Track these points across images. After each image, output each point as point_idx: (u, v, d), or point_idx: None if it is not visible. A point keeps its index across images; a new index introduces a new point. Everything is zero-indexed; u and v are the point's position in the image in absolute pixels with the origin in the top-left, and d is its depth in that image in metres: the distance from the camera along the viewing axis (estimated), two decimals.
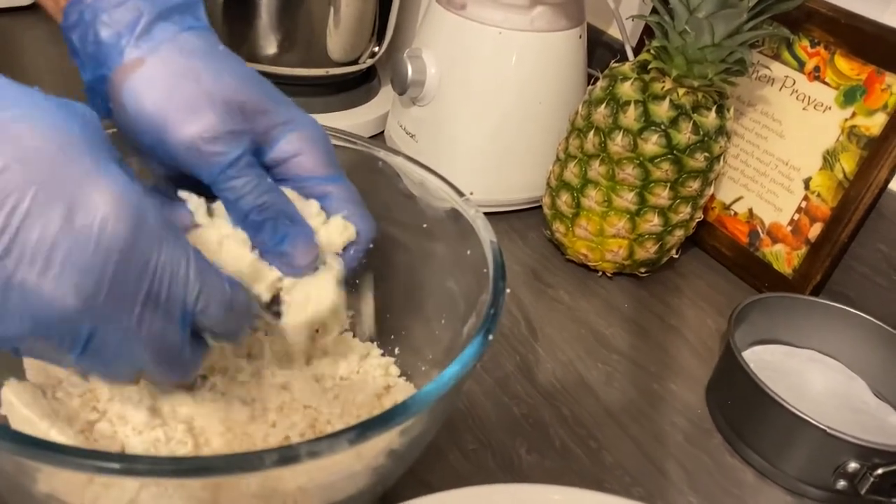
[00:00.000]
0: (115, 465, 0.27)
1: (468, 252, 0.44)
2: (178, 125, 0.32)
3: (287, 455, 0.29)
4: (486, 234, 0.42)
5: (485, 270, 0.41)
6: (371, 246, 0.40)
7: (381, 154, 0.50)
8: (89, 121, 0.27)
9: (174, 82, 0.33)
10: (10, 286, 0.25)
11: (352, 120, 0.81)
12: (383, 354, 0.49)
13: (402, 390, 0.45)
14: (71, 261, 0.25)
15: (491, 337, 0.36)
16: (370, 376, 0.46)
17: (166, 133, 0.33)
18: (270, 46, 0.77)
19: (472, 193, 0.69)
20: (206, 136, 0.32)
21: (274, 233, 0.34)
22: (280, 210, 0.34)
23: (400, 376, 0.47)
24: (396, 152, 0.49)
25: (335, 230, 0.38)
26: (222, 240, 0.35)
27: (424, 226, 0.48)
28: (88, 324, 0.27)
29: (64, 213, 0.25)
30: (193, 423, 0.39)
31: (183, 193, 0.35)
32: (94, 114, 0.28)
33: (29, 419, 0.38)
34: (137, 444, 0.39)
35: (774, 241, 0.67)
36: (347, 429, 0.30)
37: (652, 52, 0.60)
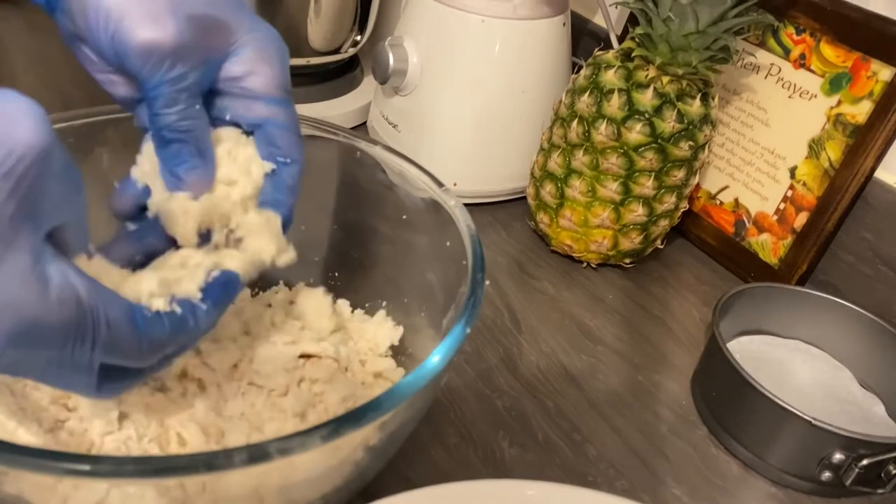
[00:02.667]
0: (83, 467, 0.27)
1: (447, 243, 0.43)
2: (134, 27, 0.32)
3: (257, 453, 0.28)
4: (465, 224, 0.42)
5: (464, 262, 0.40)
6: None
7: (361, 144, 0.49)
8: (4, 161, 0.23)
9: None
10: None
11: (334, 110, 0.79)
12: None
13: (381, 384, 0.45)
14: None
15: (469, 329, 0.35)
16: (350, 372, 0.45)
17: (120, 31, 0.32)
18: None
19: (455, 184, 0.68)
20: (158, 44, 0.32)
21: (176, 156, 0.34)
22: (193, 137, 0.34)
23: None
24: (375, 142, 0.48)
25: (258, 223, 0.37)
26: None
27: (404, 217, 0.48)
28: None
29: None
30: (166, 422, 0.39)
31: None
32: (22, 142, 0.23)
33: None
34: (109, 442, 0.38)
35: (760, 230, 0.66)
36: (320, 425, 0.29)
37: (636, 39, 0.60)
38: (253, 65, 0.35)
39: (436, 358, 0.33)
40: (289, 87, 0.37)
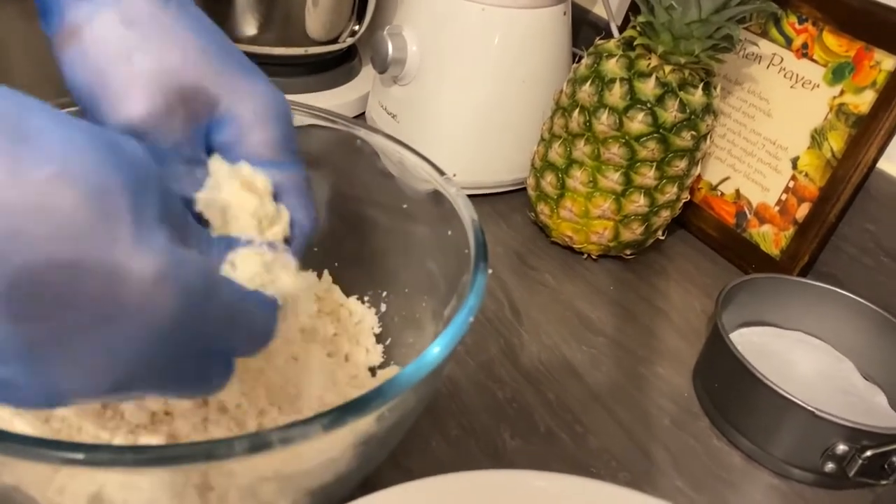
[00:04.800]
0: (79, 456, 0.26)
1: (449, 232, 0.42)
2: (109, 108, 0.31)
3: (258, 442, 0.28)
4: (467, 213, 0.41)
5: (466, 251, 0.40)
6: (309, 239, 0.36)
7: (361, 133, 0.48)
8: (140, 169, 0.23)
9: (105, 63, 0.30)
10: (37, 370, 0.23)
11: (332, 101, 0.79)
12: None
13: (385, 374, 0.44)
14: (105, 351, 0.23)
15: (472, 318, 0.34)
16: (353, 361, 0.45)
17: (100, 112, 0.31)
18: (248, 25, 0.75)
19: (454, 175, 0.67)
20: (133, 123, 0.30)
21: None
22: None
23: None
24: (376, 130, 0.48)
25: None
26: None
27: (404, 206, 0.47)
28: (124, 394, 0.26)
29: (97, 302, 0.22)
30: (163, 415, 0.38)
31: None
32: (141, 154, 0.24)
33: None
34: (104, 432, 0.37)
35: (762, 221, 0.66)
36: (321, 414, 0.29)
37: (637, 28, 0.59)
38: (246, 129, 0.32)
39: (438, 347, 0.33)
40: (293, 146, 0.34)
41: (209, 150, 0.33)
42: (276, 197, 0.33)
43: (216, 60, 0.32)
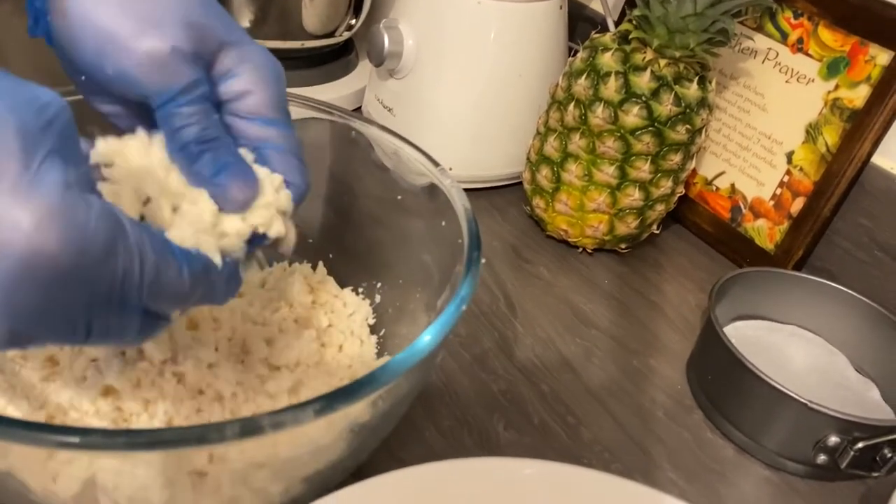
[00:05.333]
0: (72, 439, 0.26)
1: (443, 223, 0.43)
2: (131, 39, 0.30)
3: (249, 426, 0.28)
4: (460, 202, 0.41)
5: (460, 241, 0.40)
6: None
7: (356, 124, 0.48)
8: (44, 112, 0.23)
9: (118, 6, 0.30)
10: None
11: (329, 94, 0.79)
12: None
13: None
14: None
15: (464, 307, 0.35)
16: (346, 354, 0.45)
17: (116, 48, 0.30)
18: (244, 18, 0.75)
19: (450, 169, 0.67)
20: (160, 53, 0.30)
21: (214, 163, 0.31)
22: (223, 143, 0.31)
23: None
24: (371, 122, 0.48)
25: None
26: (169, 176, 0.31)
27: (399, 198, 0.47)
28: (19, 345, 0.24)
29: None
30: (157, 403, 0.38)
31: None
32: (57, 103, 0.24)
33: None
34: (97, 418, 0.37)
35: (756, 216, 0.66)
36: (313, 399, 0.29)
37: (633, 21, 0.59)
38: (250, 84, 0.33)
39: (429, 336, 0.33)
40: (286, 107, 0.34)
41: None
42: (272, 158, 0.33)
43: (227, 17, 0.33)
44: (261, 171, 0.33)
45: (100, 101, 0.34)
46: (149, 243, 0.25)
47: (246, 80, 0.33)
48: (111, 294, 0.24)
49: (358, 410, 0.32)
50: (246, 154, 0.33)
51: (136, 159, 0.31)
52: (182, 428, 0.27)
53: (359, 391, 0.30)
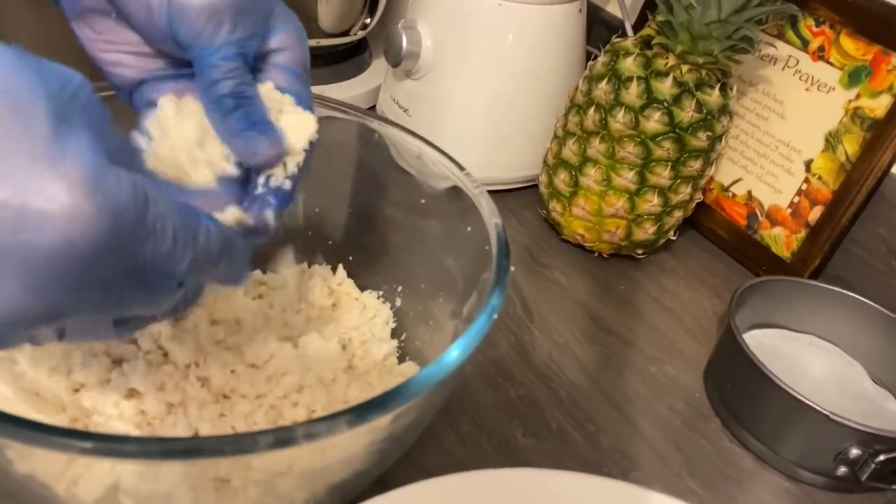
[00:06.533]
0: (106, 446, 0.26)
1: (468, 228, 0.42)
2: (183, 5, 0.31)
3: (283, 437, 0.27)
4: (488, 210, 0.41)
5: (487, 248, 0.40)
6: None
7: (379, 126, 0.48)
8: (67, 84, 0.23)
9: None
10: None
11: (343, 93, 0.78)
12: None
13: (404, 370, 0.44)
14: (22, 270, 0.21)
15: (495, 316, 0.34)
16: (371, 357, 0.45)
17: (169, 12, 0.31)
18: None
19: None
20: (219, 4, 0.31)
21: (245, 119, 0.32)
22: (255, 101, 0.33)
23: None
24: (395, 124, 0.47)
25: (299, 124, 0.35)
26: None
27: (422, 201, 0.47)
28: (54, 320, 0.24)
29: (12, 210, 0.21)
30: (181, 406, 0.38)
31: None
32: (80, 79, 0.24)
33: (5, 396, 0.36)
34: (119, 424, 0.37)
35: (773, 223, 0.66)
36: (345, 410, 0.29)
37: (656, 26, 0.59)
38: (290, 42, 0.35)
39: (461, 345, 0.33)
40: (309, 67, 0.37)
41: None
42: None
43: None
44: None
45: (106, 47, 0.35)
46: (177, 210, 0.25)
47: (287, 37, 0.35)
48: (144, 262, 0.24)
49: (387, 420, 0.32)
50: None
51: (173, 129, 0.32)
52: (216, 437, 0.27)
53: (392, 402, 0.29)
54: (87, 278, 0.23)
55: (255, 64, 0.35)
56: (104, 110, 0.25)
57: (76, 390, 0.38)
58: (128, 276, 0.24)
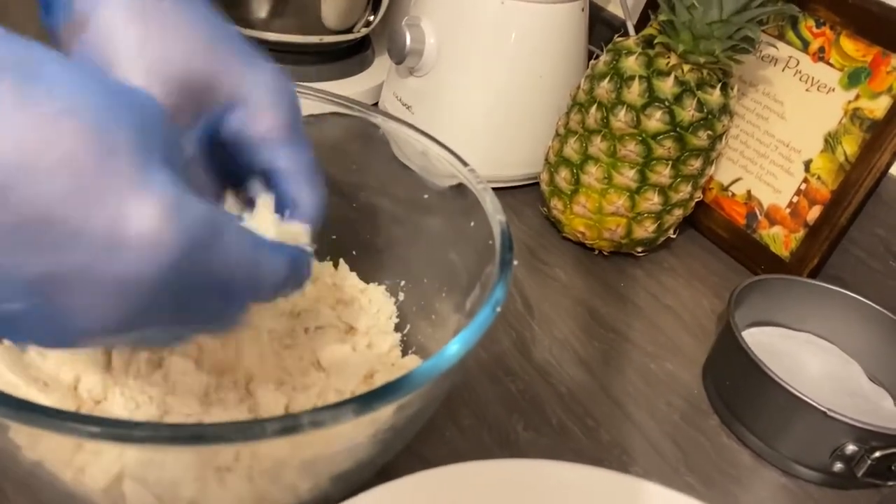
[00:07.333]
0: (115, 431, 0.26)
1: (472, 223, 0.43)
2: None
3: (289, 424, 0.28)
4: (491, 205, 0.41)
5: (490, 242, 0.40)
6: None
7: (382, 122, 0.48)
8: (146, 114, 0.24)
9: (112, 53, 0.31)
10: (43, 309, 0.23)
11: (345, 90, 0.79)
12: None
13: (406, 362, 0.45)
14: (112, 293, 0.23)
15: (499, 308, 0.35)
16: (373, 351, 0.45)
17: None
18: (262, 10, 0.75)
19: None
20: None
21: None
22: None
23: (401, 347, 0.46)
24: (398, 120, 0.48)
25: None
26: None
27: (425, 196, 0.47)
28: (123, 333, 0.25)
29: (102, 238, 0.22)
30: (188, 395, 0.38)
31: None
32: (153, 103, 0.25)
33: (15, 385, 0.36)
34: (122, 411, 0.37)
35: (772, 223, 0.66)
36: (351, 399, 0.29)
37: (658, 26, 0.59)
38: (254, 112, 0.33)
39: (466, 337, 0.33)
40: (300, 127, 0.35)
41: (219, 135, 0.34)
42: (285, 180, 0.34)
43: (221, 48, 0.33)
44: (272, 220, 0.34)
45: None
46: (248, 237, 0.27)
47: (250, 108, 0.33)
48: (218, 284, 0.26)
49: (392, 410, 0.32)
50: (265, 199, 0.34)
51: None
52: (223, 424, 0.27)
53: (398, 391, 0.30)
54: (163, 296, 0.24)
55: (223, 141, 0.34)
56: (176, 132, 0.26)
57: (83, 381, 0.39)
58: (202, 295, 0.26)
